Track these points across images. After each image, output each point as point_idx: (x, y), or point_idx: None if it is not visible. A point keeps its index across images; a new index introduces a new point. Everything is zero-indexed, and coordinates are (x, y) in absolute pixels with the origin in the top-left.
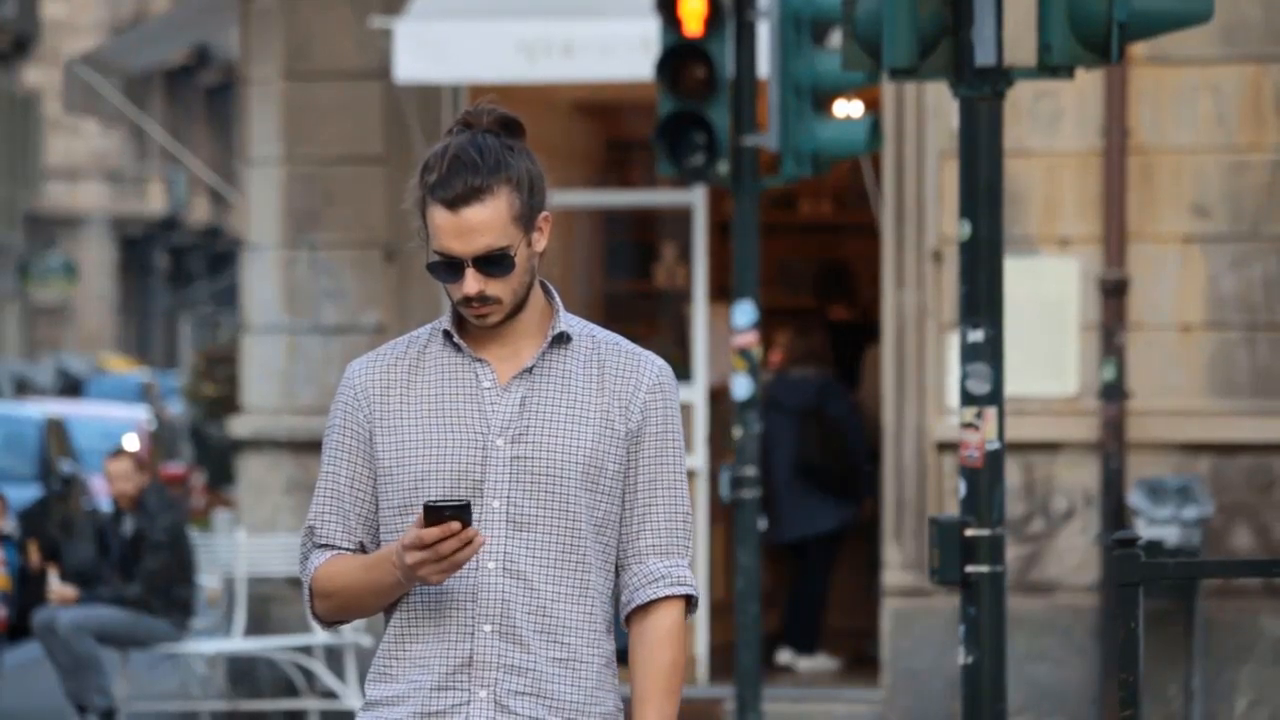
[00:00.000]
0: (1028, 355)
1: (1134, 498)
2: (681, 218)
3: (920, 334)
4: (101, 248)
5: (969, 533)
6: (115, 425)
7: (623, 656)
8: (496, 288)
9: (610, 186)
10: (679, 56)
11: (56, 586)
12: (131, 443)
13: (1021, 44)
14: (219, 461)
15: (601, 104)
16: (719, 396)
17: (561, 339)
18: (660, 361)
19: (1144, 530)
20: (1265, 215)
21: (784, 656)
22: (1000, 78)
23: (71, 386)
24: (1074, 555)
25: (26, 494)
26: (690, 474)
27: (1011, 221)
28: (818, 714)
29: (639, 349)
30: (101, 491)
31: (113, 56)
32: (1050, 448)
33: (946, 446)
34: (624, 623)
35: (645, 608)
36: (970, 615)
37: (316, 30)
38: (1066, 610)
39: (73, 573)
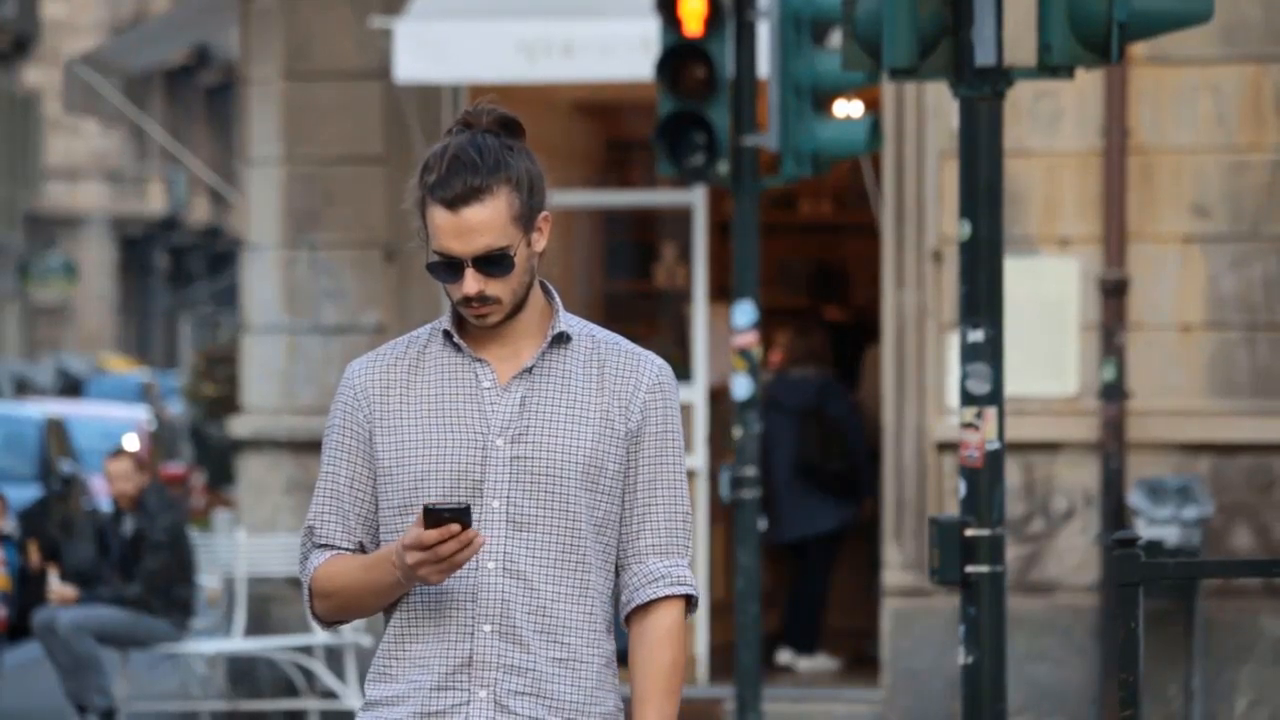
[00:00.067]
0: (1028, 355)
1: (1134, 498)
2: (681, 218)
3: (920, 334)
4: (101, 248)
5: (969, 533)
6: (115, 425)
7: (623, 658)
8: (496, 288)
9: (610, 186)
10: (679, 56)
11: (56, 586)
12: (131, 443)
13: (1021, 44)
14: (219, 461)
15: (601, 104)
16: (719, 396)
17: (561, 339)
18: (660, 361)
19: (1144, 530)
20: (1265, 215)
21: (784, 656)
22: (1000, 78)
23: (71, 386)
24: (1074, 555)
25: (26, 494)
26: (690, 474)
27: (1011, 221)
28: (818, 714)
29: (639, 349)
30: (101, 491)
31: (113, 56)
32: (1050, 448)
33: (946, 446)
34: (624, 623)
35: (645, 607)
36: (970, 615)
37: (316, 30)
38: (1066, 610)
39: (73, 573)
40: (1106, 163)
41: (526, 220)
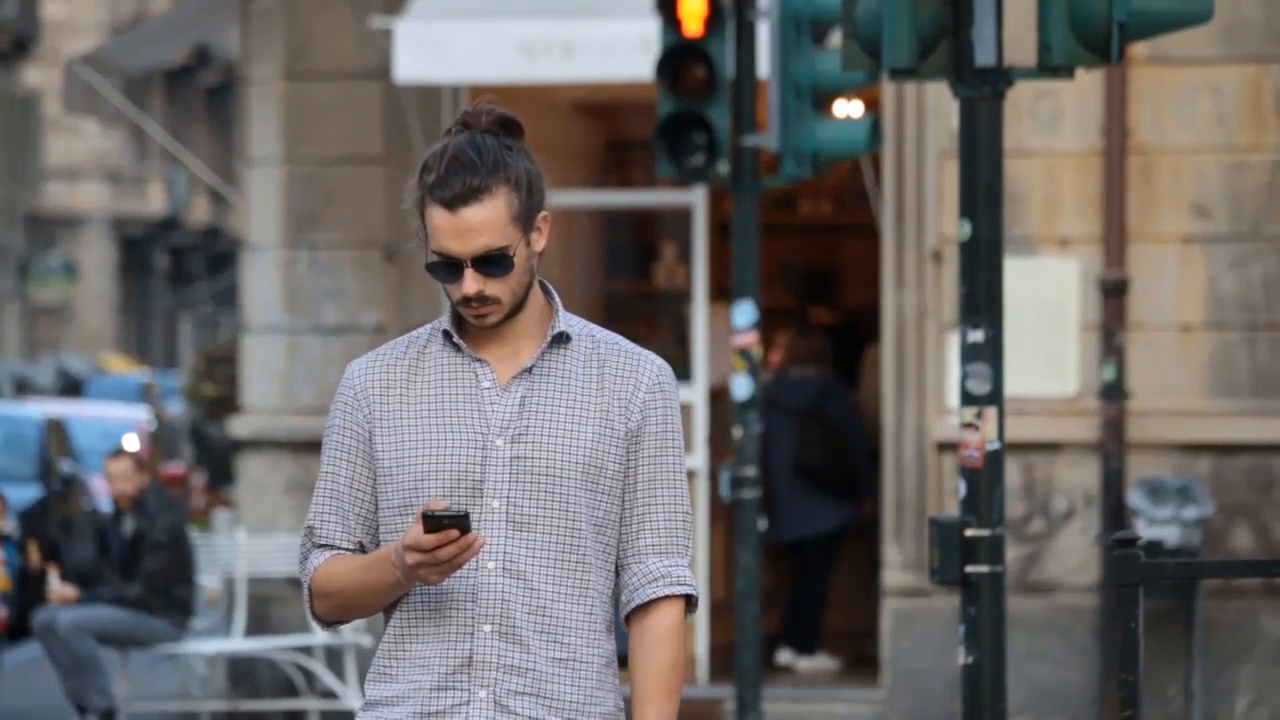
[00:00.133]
0: (1028, 355)
1: (1134, 498)
2: (681, 218)
3: (920, 334)
4: (101, 248)
5: (969, 533)
6: (115, 425)
7: (623, 660)
8: (495, 288)
9: (610, 186)
10: (679, 56)
11: (56, 586)
12: (131, 443)
13: (1021, 44)
14: (219, 461)
15: (601, 104)
16: (719, 396)
17: (561, 339)
18: (660, 361)
19: (1144, 530)
20: (1265, 215)
21: (784, 656)
22: (1000, 78)
23: (71, 386)
24: (1074, 555)
25: (26, 494)
26: (690, 474)
27: (1011, 221)
28: (818, 714)
29: (639, 348)
30: (101, 491)
31: (113, 56)
32: (1050, 448)
33: (946, 446)
34: (624, 622)
35: (645, 607)
36: (970, 615)
37: (316, 30)
38: (1066, 610)
39: (73, 573)
40: (1106, 163)
41: (526, 220)
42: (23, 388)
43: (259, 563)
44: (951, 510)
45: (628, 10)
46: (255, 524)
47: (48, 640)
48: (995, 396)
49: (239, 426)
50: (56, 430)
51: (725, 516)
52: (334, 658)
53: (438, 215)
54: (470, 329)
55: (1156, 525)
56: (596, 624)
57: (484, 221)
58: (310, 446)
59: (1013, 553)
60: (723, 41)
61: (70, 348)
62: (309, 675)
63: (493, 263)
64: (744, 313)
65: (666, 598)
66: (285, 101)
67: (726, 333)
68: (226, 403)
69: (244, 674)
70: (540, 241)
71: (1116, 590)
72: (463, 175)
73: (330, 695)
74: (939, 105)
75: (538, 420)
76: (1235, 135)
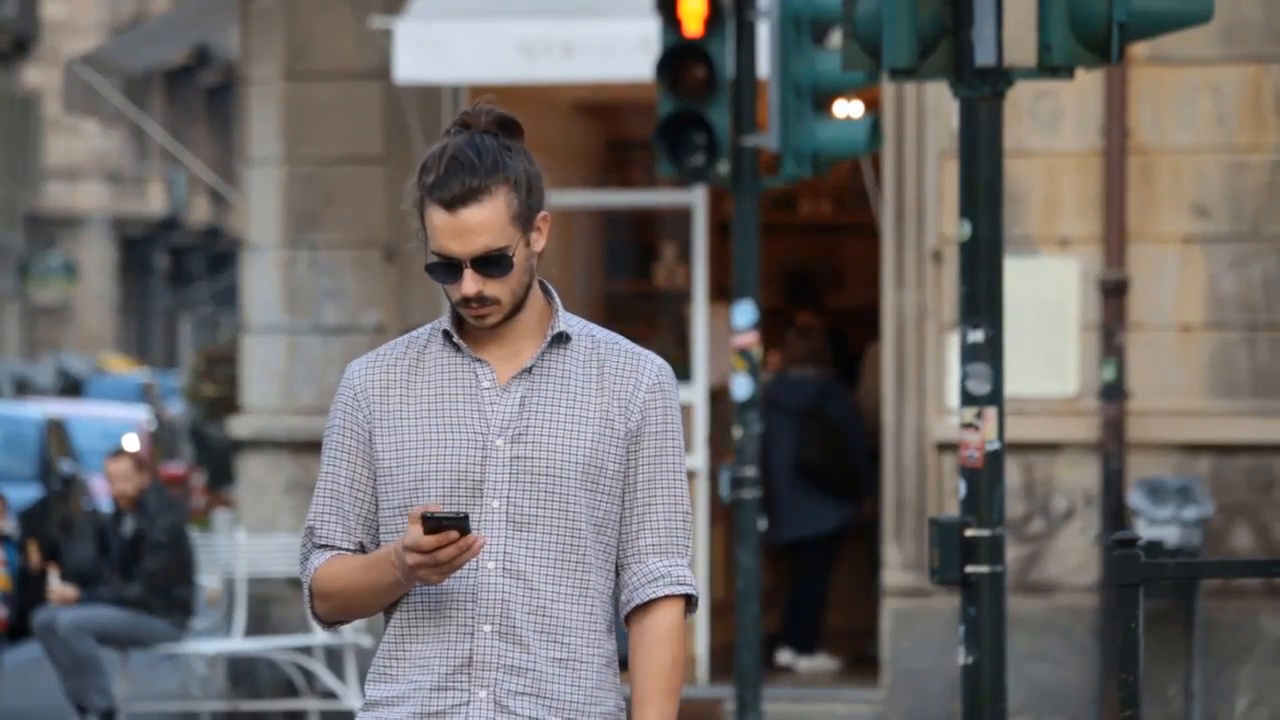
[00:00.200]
0: (1028, 355)
1: (1134, 498)
2: (681, 218)
3: (920, 334)
4: (101, 248)
5: (969, 533)
6: (115, 425)
7: (623, 663)
8: (495, 288)
9: (610, 186)
10: (679, 56)
11: (56, 586)
12: (131, 443)
13: (1021, 44)
14: (219, 461)
15: (601, 104)
16: (719, 396)
17: (561, 339)
18: (660, 361)
19: (1144, 530)
20: (1265, 215)
21: (784, 656)
22: (1000, 78)
23: (71, 387)
24: (1074, 555)
25: (26, 494)
26: (690, 474)
27: (1011, 221)
28: (818, 714)
29: (639, 348)
30: (101, 491)
31: (113, 56)
32: (1050, 448)
33: (946, 446)
34: (624, 622)
35: (645, 607)
36: (970, 615)
37: (316, 30)
38: (1066, 610)
39: (73, 573)
40: (1106, 163)
41: (525, 220)
42: (23, 388)
43: (259, 563)
44: (951, 510)
45: (628, 10)
46: (255, 524)
47: (48, 640)
48: (995, 396)
49: (239, 426)
50: (56, 430)
51: (725, 516)
52: (334, 658)
53: (437, 216)
54: (470, 329)
55: (1156, 525)
56: (597, 624)
57: (483, 222)
58: (310, 447)
59: (1013, 553)
60: (723, 41)
61: (70, 348)
62: (309, 675)
63: (492, 263)
64: (744, 313)
65: (666, 597)
66: (285, 101)
67: (726, 333)
68: (226, 403)
69: (244, 674)
70: (540, 242)
71: (1116, 590)
72: (462, 176)
73: (330, 695)
74: (939, 105)
75: (538, 420)
76: (1235, 135)
